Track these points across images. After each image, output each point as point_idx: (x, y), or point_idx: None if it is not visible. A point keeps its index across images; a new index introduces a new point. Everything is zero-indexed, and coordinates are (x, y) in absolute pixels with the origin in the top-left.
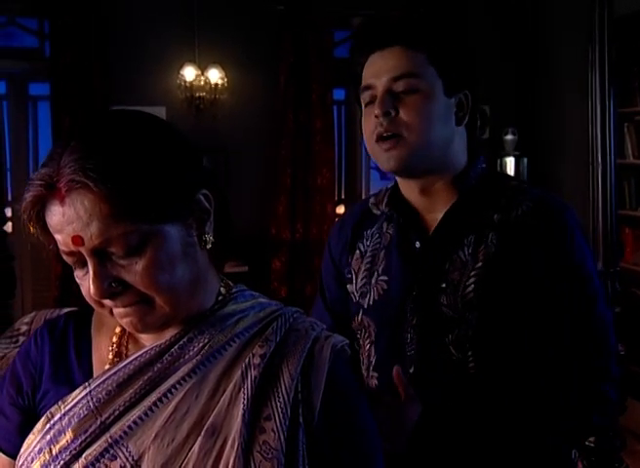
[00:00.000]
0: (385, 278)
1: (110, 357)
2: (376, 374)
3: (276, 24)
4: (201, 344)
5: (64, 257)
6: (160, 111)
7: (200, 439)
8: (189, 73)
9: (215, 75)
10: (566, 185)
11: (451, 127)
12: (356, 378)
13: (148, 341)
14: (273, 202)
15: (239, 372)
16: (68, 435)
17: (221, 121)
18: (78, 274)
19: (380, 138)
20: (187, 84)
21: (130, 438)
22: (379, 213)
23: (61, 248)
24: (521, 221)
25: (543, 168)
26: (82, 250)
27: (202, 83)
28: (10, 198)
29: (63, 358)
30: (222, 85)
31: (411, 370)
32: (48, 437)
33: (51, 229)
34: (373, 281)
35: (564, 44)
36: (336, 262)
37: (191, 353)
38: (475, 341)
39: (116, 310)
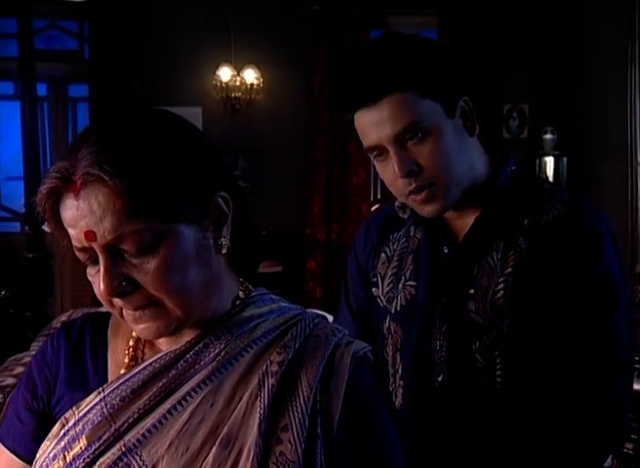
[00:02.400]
0: (413, 283)
1: (126, 361)
2: (402, 383)
3: (312, 24)
4: (217, 350)
5: (77, 254)
6: (196, 112)
7: (215, 449)
8: (225, 74)
9: (250, 75)
10: (606, 185)
11: (468, 146)
12: (379, 386)
13: (165, 345)
14: (308, 202)
15: (256, 380)
16: (82, 442)
17: (257, 121)
18: (90, 272)
19: (410, 192)
20: (223, 84)
21: (144, 446)
22: (405, 216)
23: (75, 243)
24: (551, 227)
25: (584, 167)
26: (94, 245)
27: (238, 83)
28: None
29: (79, 361)
30: (258, 85)
31: (439, 379)
32: (62, 443)
33: (64, 223)
34: (400, 286)
35: (603, 40)
36: (362, 266)
37: (207, 359)
38: (504, 349)
39: (126, 312)
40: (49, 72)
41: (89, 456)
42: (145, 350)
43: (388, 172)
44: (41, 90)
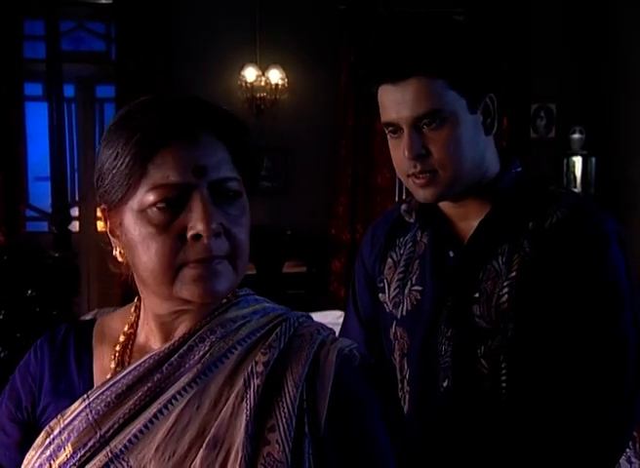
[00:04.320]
0: (419, 288)
1: (112, 366)
2: (408, 388)
3: (337, 24)
4: (202, 352)
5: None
6: None
7: (202, 452)
8: (250, 74)
9: (275, 75)
10: (636, 185)
11: (481, 143)
12: (368, 384)
13: (156, 346)
14: (333, 202)
15: (241, 382)
16: (68, 450)
17: (282, 121)
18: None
19: (413, 174)
20: (248, 84)
21: (130, 452)
22: (412, 220)
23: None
24: (555, 230)
25: (613, 167)
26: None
27: (263, 83)
28: (77, 198)
29: (64, 370)
30: (283, 85)
31: (444, 384)
32: (48, 452)
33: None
34: (406, 291)
35: (635, 39)
36: (369, 271)
37: (192, 362)
38: (509, 354)
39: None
40: (76, 73)
41: (75, 464)
42: (135, 355)
43: (398, 150)
44: (69, 91)
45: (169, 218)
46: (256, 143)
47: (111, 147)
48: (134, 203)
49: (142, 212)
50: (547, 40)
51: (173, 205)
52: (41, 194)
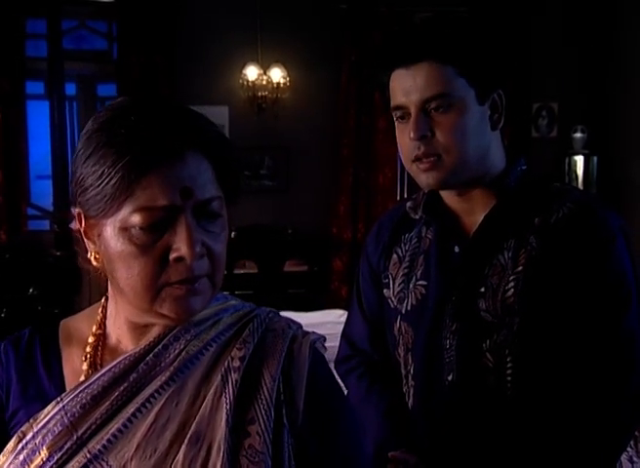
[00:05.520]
0: (424, 283)
1: (85, 367)
2: (413, 383)
3: (338, 23)
4: (177, 351)
5: None
6: (223, 110)
7: (184, 447)
8: (252, 73)
9: (277, 74)
10: (638, 184)
11: (487, 135)
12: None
13: (130, 346)
14: (334, 201)
15: (219, 377)
16: (43, 453)
17: (283, 120)
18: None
19: (417, 158)
20: (250, 83)
21: (110, 452)
22: (417, 217)
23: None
24: (562, 225)
25: (614, 166)
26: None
27: (264, 82)
28: None
29: (32, 374)
30: (284, 84)
31: (450, 378)
32: (21, 457)
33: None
34: (411, 286)
35: (638, 36)
36: (373, 267)
37: (167, 360)
38: (514, 348)
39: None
40: (78, 72)
41: (52, 467)
42: (106, 356)
43: (404, 134)
44: (70, 89)
45: (152, 239)
46: (238, 158)
47: (95, 164)
48: (116, 220)
49: (125, 229)
50: (549, 39)
51: (157, 226)
52: (42, 193)
